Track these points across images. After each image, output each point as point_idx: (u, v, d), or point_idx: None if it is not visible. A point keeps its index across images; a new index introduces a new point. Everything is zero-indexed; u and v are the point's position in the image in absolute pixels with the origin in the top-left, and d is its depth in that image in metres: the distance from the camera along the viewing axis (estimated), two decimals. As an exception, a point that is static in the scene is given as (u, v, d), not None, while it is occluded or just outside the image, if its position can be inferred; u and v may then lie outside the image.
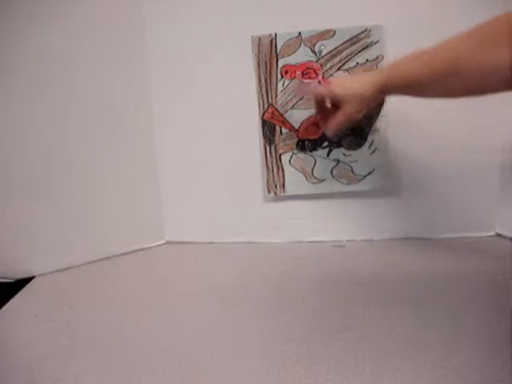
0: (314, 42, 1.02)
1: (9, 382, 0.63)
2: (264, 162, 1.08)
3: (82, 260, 1.03)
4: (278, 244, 1.09)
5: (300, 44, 1.03)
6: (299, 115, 1.05)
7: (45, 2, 0.94)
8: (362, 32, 1.01)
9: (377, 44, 1.01)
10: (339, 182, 1.06)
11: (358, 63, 1.02)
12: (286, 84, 1.04)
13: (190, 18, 1.05)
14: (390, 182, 1.06)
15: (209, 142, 1.10)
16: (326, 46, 1.02)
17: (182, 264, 1.04)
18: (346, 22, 1.01)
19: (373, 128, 1.03)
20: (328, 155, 1.06)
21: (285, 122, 1.06)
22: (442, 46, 0.68)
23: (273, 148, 1.07)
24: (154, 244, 1.13)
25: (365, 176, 1.05)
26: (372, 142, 1.04)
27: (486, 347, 0.64)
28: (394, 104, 1.04)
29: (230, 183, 1.10)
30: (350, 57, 1.02)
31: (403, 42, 1.01)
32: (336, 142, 1.04)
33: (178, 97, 1.08)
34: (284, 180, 1.08)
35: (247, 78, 1.05)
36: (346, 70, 1.02)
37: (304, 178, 1.07)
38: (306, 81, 0.95)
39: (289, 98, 1.05)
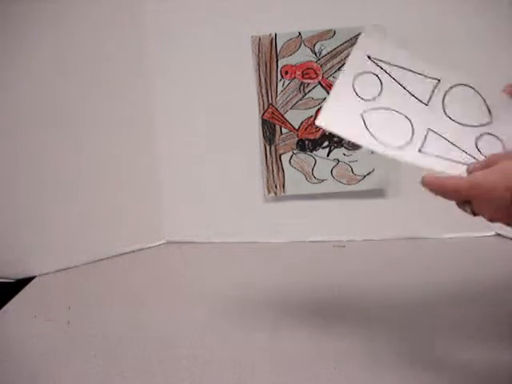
0: (313, 42, 1.02)
1: (9, 381, 0.63)
2: (264, 162, 1.08)
3: (82, 260, 1.03)
4: (278, 244, 1.09)
5: (300, 44, 1.03)
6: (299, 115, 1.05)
7: (49, 7, 0.94)
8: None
9: (377, 44, 1.01)
10: (339, 182, 1.06)
11: (358, 63, 1.02)
12: (285, 84, 1.04)
13: (189, 18, 1.05)
14: (389, 182, 1.06)
15: (209, 142, 1.10)
16: (326, 47, 1.02)
17: (182, 264, 1.03)
18: (346, 22, 1.01)
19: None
20: (328, 155, 1.06)
21: (285, 122, 1.06)
22: None
23: (273, 148, 1.07)
24: (154, 244, 1.13)
25: (365, 176, 1.05)
26: (372, 142, 1.04)
27: (487, 346, 0.64)
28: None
29: (230, 183, 1.10)
30: (350, 57, 1.02)
31: (403, 42, 1.02)
32: (336, 142, 1.04)
33: (177, 96, 1.08)
34: (284, 180, 1.08)
35: (247, 78, 1.05)
36: (346, 70, 1.02)
37: (304, 178, 1.07)
38: None
39: (289, 98, 1.05)
